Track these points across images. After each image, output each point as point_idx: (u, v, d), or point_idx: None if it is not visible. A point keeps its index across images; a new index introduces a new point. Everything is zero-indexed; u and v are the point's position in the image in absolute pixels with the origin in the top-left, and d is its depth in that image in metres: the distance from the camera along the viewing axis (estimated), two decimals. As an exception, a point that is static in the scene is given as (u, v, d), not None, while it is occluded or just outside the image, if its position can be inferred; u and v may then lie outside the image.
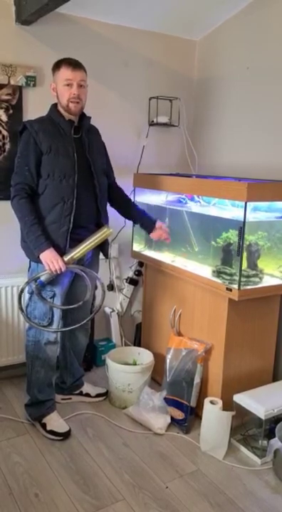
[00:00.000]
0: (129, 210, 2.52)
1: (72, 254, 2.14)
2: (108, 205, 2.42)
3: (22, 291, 2.19)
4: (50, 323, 2.23)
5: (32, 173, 2.10)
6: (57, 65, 2.13)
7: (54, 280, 2.17)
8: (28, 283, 2.18)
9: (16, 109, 2.55)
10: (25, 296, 2.24)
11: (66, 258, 2.12)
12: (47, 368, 2.29)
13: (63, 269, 2.09)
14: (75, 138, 2.18)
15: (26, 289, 2.21)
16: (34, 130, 2.09)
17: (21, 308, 2.21)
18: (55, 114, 2.17)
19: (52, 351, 2.29)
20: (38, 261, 2.13)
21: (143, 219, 2.50)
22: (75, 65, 2.10)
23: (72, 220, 2.13)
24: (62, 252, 2.12)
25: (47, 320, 2.21)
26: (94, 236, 2.20)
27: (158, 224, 2.48)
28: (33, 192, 2.13)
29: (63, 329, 2.36)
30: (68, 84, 2.10)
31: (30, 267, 2.25)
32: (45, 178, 2.11)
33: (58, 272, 2.10)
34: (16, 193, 2.10)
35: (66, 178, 2.12)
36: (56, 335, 2.28)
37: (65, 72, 2.10)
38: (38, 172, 2.11)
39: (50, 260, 2.07)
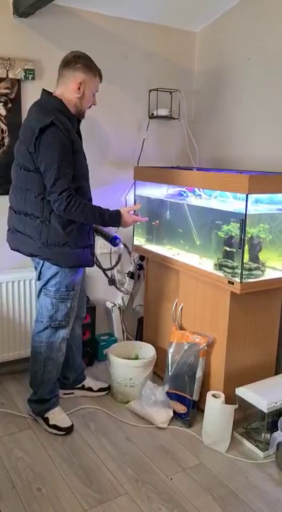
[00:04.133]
0: None
1: None
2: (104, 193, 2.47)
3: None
4: (68, 323, 2.25)
5: (72, 176, 2.01)
6: (92, 70, 2.10)
7: (75, 281, 2.19)
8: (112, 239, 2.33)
9: (14, 102, 2.53)
10: (40, 298, 2.24)
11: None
12: (58, 367, 2.30)
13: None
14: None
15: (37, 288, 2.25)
16: (66, 129, 1.99)
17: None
18: (65, 109, 2.08)
19: (65, 347, 2.30)
20: (72, 265, 2.14)
21: None
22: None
23: None
24: (93, 248, 2.22)
25: (66, 320, 2.23)
26: None
27: None
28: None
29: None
30: (94, 94, 2.17)
31: (53, 274, 2.16)
32: (76, 180, 2.04)
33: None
34: (70, 198, 1.97)
35: (86, 178, 2.14)
36: (69, 330, 2.28)
37: (97, 83, 2.16)
38: None
39: (129, 218, 2.21)
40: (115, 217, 2.15)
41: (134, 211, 2.31)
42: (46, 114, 1.99)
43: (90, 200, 2.19)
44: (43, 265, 2.17)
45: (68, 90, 2.09)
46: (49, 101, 2.09)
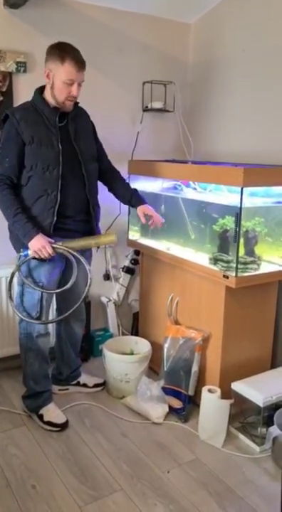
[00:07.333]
0: (123, 193, 2.41)
1: (65, 244, 2.11)
2: (107, 190, 2.41)
3: (11, 279, 2.16)
4: (39, 316, 2.19)
5: (12, 165, 2.03)
6: (60, 57, 1.97)
7: (41, 270, 2.13)
8: (14, 272, 2.14)
9: (6, 96, 2.49)
10: (15, 288, 2.22)
11: (56, 244, 2.08)
12: (41, 360, 2.27)
13: (51, 254, 2.05)
14: (61, 126, 2.10)
15: (15, 279, 2.18)
16: (16, 120, 2.02)
17: (10, 297, 2.21)
18: (40, 101, 2.08)
19: (44, 343, 2.26)
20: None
21: (133, 199, 2.40)
22: (81, 64, 2.01)
23: (55, 212, 2.09)
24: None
25: (35, 313, 2.18)
26: (96, 238, 2.22)
27: (145, 205, 2.37)
28: (14, 184, 2.06)
29: (49, 321, 2.31)
30: (69, 84, 2.02)
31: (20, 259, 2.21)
32: (28, 169, 2.05)
33: (48, 258, 2.07)
34: None
35: (50, 170, 2.06)
36: (46, 326, 2.25)
37: (69, 71, 1.99)
38: (21, 163, 2.05)
39: (39, 248, 2.03)
40: (22, 231, 2.03)
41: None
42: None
43: (51, 191, 2.06)
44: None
45: (46, 83, 2.09)
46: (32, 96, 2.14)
